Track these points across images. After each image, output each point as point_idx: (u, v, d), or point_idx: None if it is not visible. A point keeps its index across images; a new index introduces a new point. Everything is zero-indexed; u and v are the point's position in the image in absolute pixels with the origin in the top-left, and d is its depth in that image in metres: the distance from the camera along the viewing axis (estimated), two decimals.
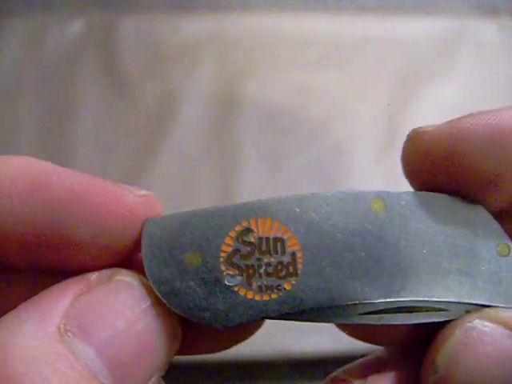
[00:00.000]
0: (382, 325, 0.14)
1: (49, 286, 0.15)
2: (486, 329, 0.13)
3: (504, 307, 0.14)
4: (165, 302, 0.14)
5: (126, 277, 0.14)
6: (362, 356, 0.17)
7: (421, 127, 0.16)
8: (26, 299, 0.14)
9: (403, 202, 0.14)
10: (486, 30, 0.55)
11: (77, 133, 0.50)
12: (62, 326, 0.12)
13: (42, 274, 0.15)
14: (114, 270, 0.14)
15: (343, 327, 0.17)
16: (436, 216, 0.14)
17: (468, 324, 0.14)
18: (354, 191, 0.14)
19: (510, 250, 0.14)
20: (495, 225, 0.14)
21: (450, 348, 0.14)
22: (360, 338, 0.17)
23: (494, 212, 0.15)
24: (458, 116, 0.16)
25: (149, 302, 0.13)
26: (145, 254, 0.14)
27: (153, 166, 0.49)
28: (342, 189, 0.15)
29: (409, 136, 0.17)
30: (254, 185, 0.48)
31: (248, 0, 0.57)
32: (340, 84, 0.52)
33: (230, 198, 0.47)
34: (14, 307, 0.13)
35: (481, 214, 0.14)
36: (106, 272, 0.14)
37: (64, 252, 0.14)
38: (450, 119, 0.16)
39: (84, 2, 0.56)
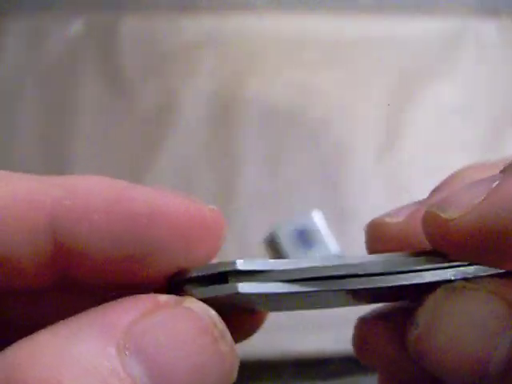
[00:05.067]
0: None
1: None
2: (465, 290, 0.14)
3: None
4: None
5: (194, 306, 0.13)
6: None
7: (379, 219, 0.17)
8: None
9: None
10: (486, 30, 0.55)
11: (76, 132, 0.50)
12: (121, 341, 0.12)
13: (107, 289, 0.15)
14: (186, 297, 0.14)
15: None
16: None
17: (449, 285, 0.14)
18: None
19: None
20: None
21: (429, 305, 0.14)
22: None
23: None
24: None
25: (212, 337, 0.13)
26: None
27: (153, 165, 0.49)
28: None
29: (371, 226, 0.17)
30: (253, 185, 0.48)
31: (248, 0, 0.57)
32: (340, 84, 0.52)
33: (230, 198, 0.47)
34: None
35: None
36: (176, 297, 0.13)
37: (140, 265, 0.14)
38: (401, 208, 0.16)
39: (84, 2, 0.56)
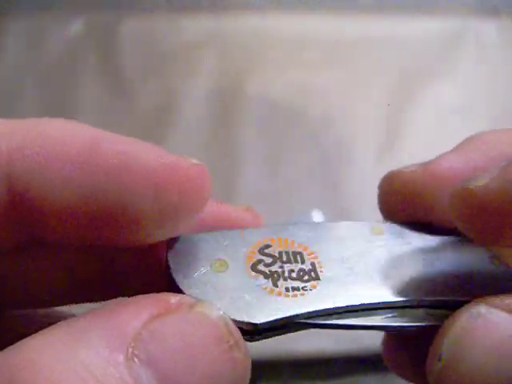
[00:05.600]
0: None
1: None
2: (492, 315, 0.13)
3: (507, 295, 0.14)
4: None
5: (208, 311, 0.12)
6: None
7: (397, 169, 0.17)
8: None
9: (396, 228, 0.17)
10: (486, 30, 0.55)
11: None
12: (130, 349, 0.11)
13: (82, 250, 0.14)
14: (198, 300, 0.13)
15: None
16: (418, 237, 0.17)
17: (473, 310, 0.13)
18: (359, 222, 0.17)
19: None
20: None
21: (454, 335, 0.13)
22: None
23: None
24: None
25: (227, 345, 0.12)
26: (171, 259, 0.14)
27: None
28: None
29: (386, 176, 0.18)
30: (254, 185, 0.48)
31: (248, 0, 0.57)
32: (340, 84, 0.52)
33: (230, 198, 0.47)
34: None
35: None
36: (187, 299, 0.13)
37: (113, 224, 0.13)
38: (423, 162, 0.17)
39: (84, 2, 0.56)
